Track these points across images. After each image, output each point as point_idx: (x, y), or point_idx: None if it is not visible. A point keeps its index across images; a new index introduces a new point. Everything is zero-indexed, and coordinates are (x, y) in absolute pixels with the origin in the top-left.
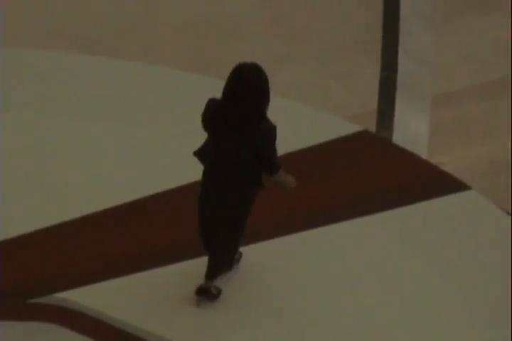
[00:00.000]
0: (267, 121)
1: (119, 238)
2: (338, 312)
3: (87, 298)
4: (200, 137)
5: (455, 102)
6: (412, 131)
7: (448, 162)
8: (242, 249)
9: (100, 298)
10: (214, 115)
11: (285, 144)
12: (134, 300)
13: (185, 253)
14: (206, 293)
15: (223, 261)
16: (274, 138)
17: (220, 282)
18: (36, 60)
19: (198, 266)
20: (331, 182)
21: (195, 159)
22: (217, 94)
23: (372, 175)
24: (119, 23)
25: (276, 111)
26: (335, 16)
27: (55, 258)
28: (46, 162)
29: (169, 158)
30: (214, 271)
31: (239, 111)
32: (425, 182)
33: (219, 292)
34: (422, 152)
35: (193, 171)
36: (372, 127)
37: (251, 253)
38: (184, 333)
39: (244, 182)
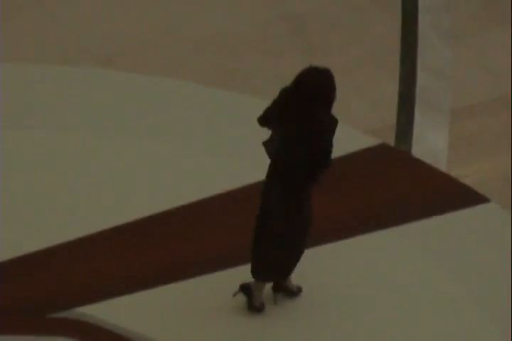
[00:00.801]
0: (330, 114)
1: (138, 252)
2: (359, 325)
3: (106, 312)
4: (220, 154)
5: (474, 115)
6: (431, 144)
7: (467, 175)
8: None
9: (119, 312)
10: (283, 103)
11: None
12: (152, 314)
13: (204, 268)
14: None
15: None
16: (333, 130)
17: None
18: (57, 76)
19: (217, 280)
20: (350, 195)
21: (211, 176)
22: (237, 108)
23: (392, 187)
24: (139, 38)
25: None
26: (354, 29)
27: (74, 273)
28: (59, 176)
29: (188, 173)
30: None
31: (298, 107)
32: (445, 194)
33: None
34: (441, 165)
35: (207, 188)
36: (391, 141)
37: None
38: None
39: (300, 177)
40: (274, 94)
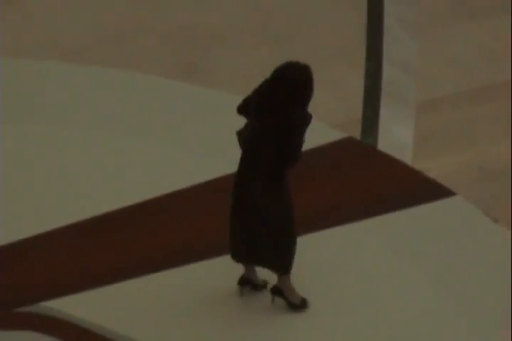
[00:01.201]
0: (303, 110)
1: (106, 247)
2: (324, 317)
3: (73, 306)
4: (184, 146)
5: (440, 109)
6: (397, 137)
7: (433, 168)
8: None
9: (87, 306)
10: (261, 94)
11: None
12: (121, 309)
13: (175, 262)
14: (282, 295)
15: (287, 252)
16: (306, 126)
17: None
18: (22, 70)
19: (188, 273)
20: (315, 188)
21: (176, 168)
22: (202, 102)
23: (358, 181)
24: (104, 32)
25: None
26: (320, 24)
27: (41, 267)
28: (27, 171)
29: (153, 164)
30: (284, 263)
31: (274, 100)
32: (411, 188)
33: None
34: (407, 158)
35: (172, 180)
36: (357, 134)
37: None
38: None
39: (267, 175)
40: (238, 87)
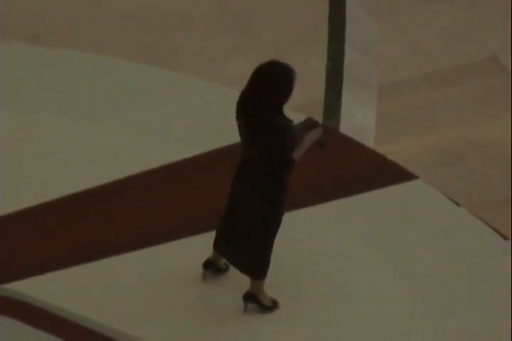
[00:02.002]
0: (282, 119)
1: (69, 228)
2: (283, 299)
3: (36, 289)
4: (144, 128)
5: (401, 92)
6: (359, 120)
7: (395, 152)
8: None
9: (49, 288)
10: (237, 108)
11: (231, 135)
12: (83, 290)
13: (138, 243)
14: (255, 300)
15: (264, 259)
16: (284, 136)
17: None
18: None
19: (151, 255)
20: None
21: (141, 153)
22: (162, 84)
23: (319, 164)
24: (67, 14)
25: (222, 102)
26: (282, 7)
27: (2, 248)
28: None
29: (118, 150)
30: (260, 269)
31: (251, 105)
32: (372, 171)
33: (275, 304)
34: (369, 142)
35: (137, 164)
36: (319, 117)
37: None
38: (134, 324)
39: (266, 184)
40: (200, 71)
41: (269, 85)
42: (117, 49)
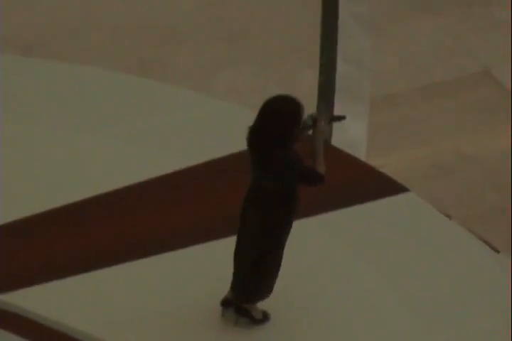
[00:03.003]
0: (285, 152)
1: (61, 239)
2: (275, 312)
3: (25, 299)
4: (138, 139)
5: (394, 105)
6: (351, 133)
7: (386, 164)
8: None
9: (39, 300)
10: (247, 142)
11: (223, 147)
12: (73, 302)
13: (130, 255)
14: (246, 314)
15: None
16: (288, 165)
17: None
18: None
19: (143, 267)
20: None
21: (131, 164)
22: (154, 96)
23: None
24: (58, 27)
25: (215, 114)
26: (274, 19)
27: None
28: None
29: (108, 161)
30: (249, 293)
31: (258, 140)
32: (364, 184)
33: (266, 317)
34: (361, 154)
35: (127, 176)
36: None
37: (203, 253)
38: (121, 334)
39: (276, 207)
40: (192, 83)
41: (280, 121)
42: (110, 61)
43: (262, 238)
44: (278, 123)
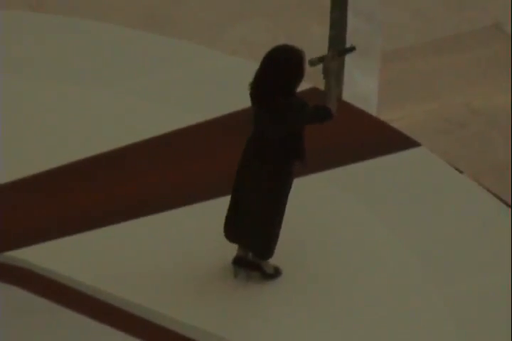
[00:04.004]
0: (289, 97)
1: (69, 195)
2: (287, 268)
3: (36, 256)
4: (148, 94)
5: (405, 59)
6: (362, 88)
7: (398, 119)
8: None
9: (50, 256)
10: (250, 92)
11: (234, 102)
12: (83, 258)
13: (140, 212)
14: (258, 268)
15: (272, 238)
16: (298, 108)
17: None
18: None
19: (153, 224)
20: None
21: (143, 119)
22: (163, 51)
23: (322, 132)
24: None
25: (225, 69)
26: None
27: (3, 216)
28: None
29: (120, 116)
30: (266, 249)
31: (263, 91)
32: (375, 138)
33: (277, 271)
34: (372, 109)
35: (139, 131)
36: (322, 85)
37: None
38: (132, 290)
39: (284, 157)
40: (201, 38)
41: (280, 71)
42: (118, 16)
43: (271, 191)
44: (280, 72)
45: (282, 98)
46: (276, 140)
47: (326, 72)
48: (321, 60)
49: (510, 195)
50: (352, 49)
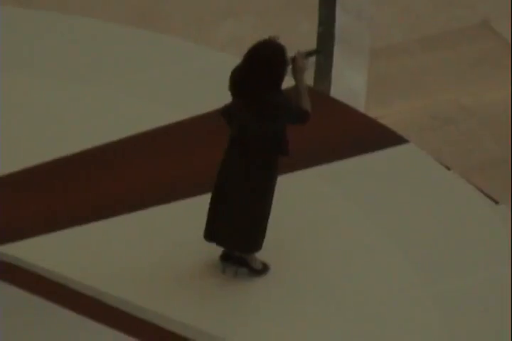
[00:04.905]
0: (276, 94)
1: (61, 190)
2: (275, 264)
3: (25, 251)
4: (137, 91)
5: (393, 56)
6: (350, 84)
7: (386, 115)
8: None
9: (39, 252)
10: (231, 87)
11: (223, 99)
12: (72, 253)
13: (128, 207)
14: (245, 264)
15: (261, 230)
16: (284, 105)
17: None
18: None
19: (141, 220)
20: None
21: (129, 116)
22: (155, 47)
23: (310, 128)
24: None
25: (214, 66)
26: None
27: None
28: None
29: (107, 112)
30: (255, 242)
31: (247, 86)
32: (363, 135)
33: (265, 268)
34: (360, 105)
35: (125, 128)
36: (310, 81)
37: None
38: (120, 286)
39: (268, 151)
40: (192, 35)
41: (263, 66)
42: (109, 12)
43: (259, 185)
44: (264, 68)
45: (269, 95)
46: (259, 136)
47: (296, 74)
48: (290, 62)
49: (510, 192)
50: (317, 52)
